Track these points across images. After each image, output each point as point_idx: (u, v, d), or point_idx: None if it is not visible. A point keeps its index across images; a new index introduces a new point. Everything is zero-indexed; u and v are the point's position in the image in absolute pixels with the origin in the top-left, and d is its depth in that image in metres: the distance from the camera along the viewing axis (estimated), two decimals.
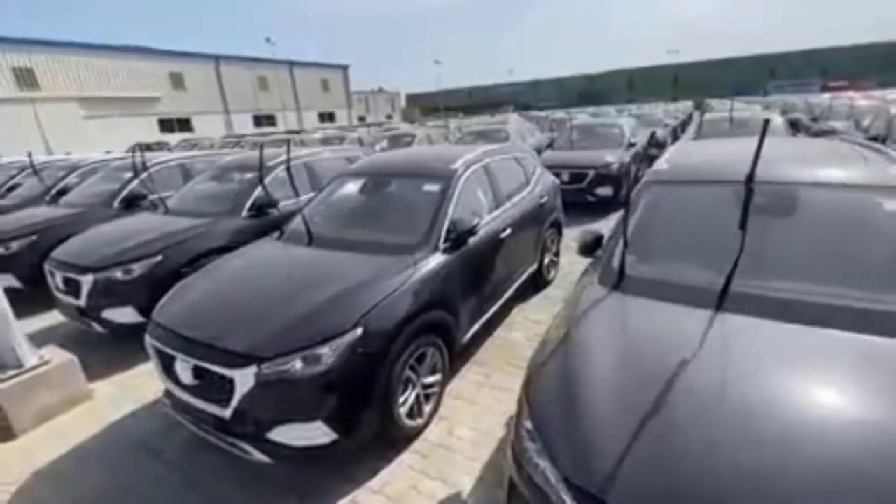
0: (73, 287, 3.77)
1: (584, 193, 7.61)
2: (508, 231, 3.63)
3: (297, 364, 2.10)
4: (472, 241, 3.08)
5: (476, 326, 3.31)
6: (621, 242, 2.32)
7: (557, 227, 4.94)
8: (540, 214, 4.36)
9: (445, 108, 69.65)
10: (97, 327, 3.77)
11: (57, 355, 3.29)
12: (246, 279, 2.80)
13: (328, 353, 2.13)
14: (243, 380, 2.08)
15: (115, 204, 5.64)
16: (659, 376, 1.47)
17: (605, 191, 7.61)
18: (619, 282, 2.07)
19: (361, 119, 59.50)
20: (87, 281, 3.67)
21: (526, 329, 3.96)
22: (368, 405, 2.28)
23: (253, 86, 41.26)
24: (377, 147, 11.62)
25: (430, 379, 2.76)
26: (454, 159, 3.52)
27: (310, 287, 2.49)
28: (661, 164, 2.73)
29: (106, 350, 4.00)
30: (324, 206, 3.69)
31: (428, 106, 77.35)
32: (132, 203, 5.65)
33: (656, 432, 1.31)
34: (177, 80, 35.14)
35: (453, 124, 18.68)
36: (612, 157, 7.67)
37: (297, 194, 4.27)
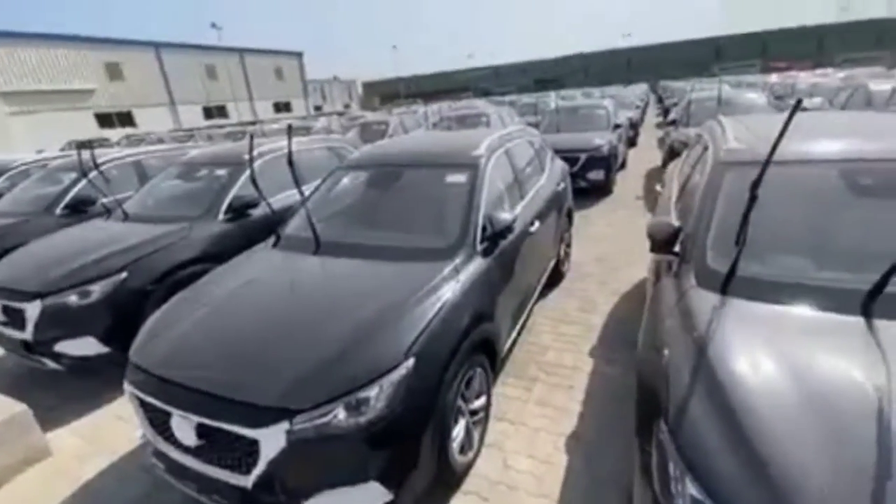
0: (14, 317, 3.06)
1: (576, 178, 7.28)
2: (537, 224, 3.24)
3: (340, 414, 1.63)
4: (507, 237, 2.66)
5: (514, 335, 2.93)
6: (711, 235, 1.98)
7: (569, 216, 4.61)
8: (557, 202, 4.00)
9: (406, 95, 68.28)
10: (49, 363, 3.09)
11: (2, 405, 2.63)
12: (249, 302, 2.22)
13: (376, 396, 1.67)
14: (271, 440, 1.59)
15: (58, 210, 4.82)
16: (860, 420, 1.13)
17: (596, 175, 7.37)
18: (726, 284, 1.72)
19: (318, 108, 57.33)
20: (33, 309, 2.98)
21: (551, 329, 3.62)
22: (425, 450, 1.84)
23: (200, 75, 38.57)
24: (347, 136, 10.97)
25: (477, 403, 2.35)
26: (475, 144, 3.07)
27: (338, 309, 2.00)
28: (730, 143, 2.39)
29: (61, 389, 3.32)
30: (325, 204, 3.14)
31: (387, 94, 75.51)
32: (79, 208, 4.84)
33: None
34: (114, 71, 32.25)
35: (421, 111, 18.02)
36: (602, 140, 7.42)
37: (300, 189, 3.67)
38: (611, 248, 5.27)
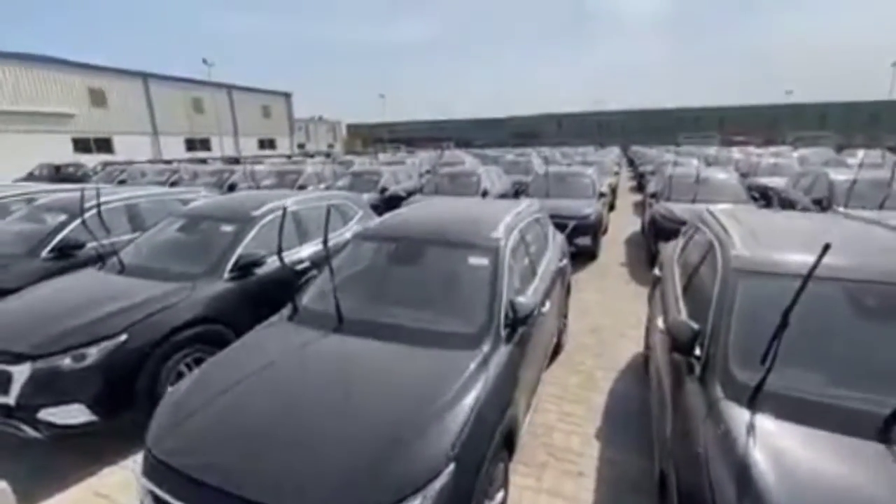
0: None
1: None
2: (547, 304, 3.33)
3: None
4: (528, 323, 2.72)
5: (527, 421, 2.92)
6: (732, 345, 2.10)
7: (568, 288, 4.74)
8: (561, 278, 4.13)
9: (389, 140, 69.98)
10: (29, 431, 2.85)
11: None
12: (275, 390, 2.13)
13: None
14: None
15: (44, 253, 4.61)
16: None
17: (584, 241, 7.66)
18: (754, 398, 1.82)
19: (301, 146, 57.89)
20: (21, 372, 2.78)
21: (555, 408, 3.62)
22: None
23: (186, 108, 38.66)
24: (339, 184, 11.06)
25: (498, 498, 2.30)
26: (494, 225, 3.18)
27: (371, 403, 1.97)
28: (738, 248, 2.58)
29: (34, 460, 3.06)
30: (344, 276, 3.14)
31: (370, 137, 77.24)
32: (67, 253, 4.65)
33: None
34: (97, 97, 31.97)
35: (409, 161, 18.48)
36: (590, 209, 7.79)
37: (329, 259, 3.67)
38: (603, 318, 5.41)
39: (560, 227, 7.52)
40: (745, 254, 2.50)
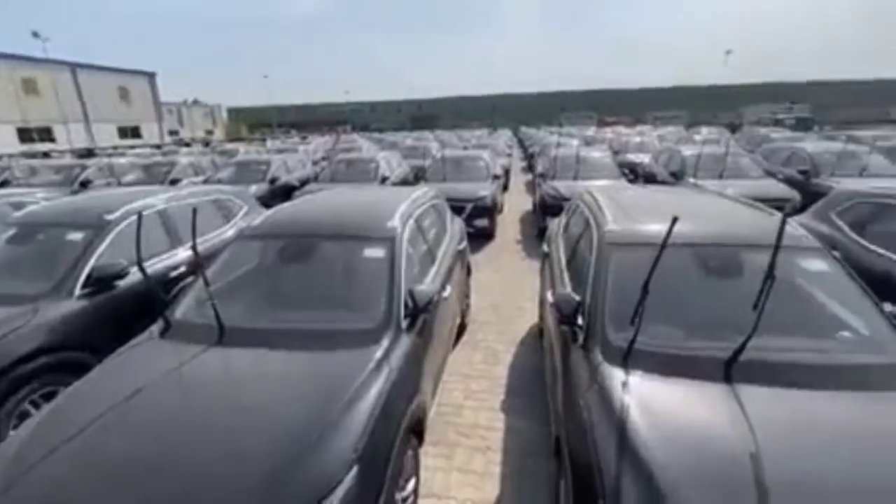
0: None
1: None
2: (448, 289, 3.38)
3: None
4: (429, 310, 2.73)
5: (434, 404, 2.96)
6: (608, 311, 2.32)
7: (468, 270, 4.88)
8: (461, 261, 4.23)
9: (279, 124, 65.33)
10: None
11: None
12: (143, 423, 1.84)
13: None
14: None
15: None
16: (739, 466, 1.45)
17: (481, 222, 7.97)
18: (627, 358, 2.03)
19: (174, 134, 51.49)
20: None
21: (462, 387, 3.74)
22: None
23: (16, 89, 31.88)
24: (221, 176, 10.04)
25: (409, 488, 2.31)
26: (389, 214, 3.11)
27: (259, 422, 1.80)
28: (610, 224, 2.85)
29: None
30: (224, 282, 2.84)
31: (257, 122, 71.35)
32: None
33: None
34: None
35: (302, 149, 17.44)
36: (486, 192, 8.08)
37: (200, 263, 3.24)
38: (502, 295, 5.69)
39: (458, 209, 7.75)
40: (615, 228, 2.78)
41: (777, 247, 1.71)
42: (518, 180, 16.26)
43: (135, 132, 42.08)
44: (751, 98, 60.91)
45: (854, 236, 3.69)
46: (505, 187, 13.70)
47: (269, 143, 23.15)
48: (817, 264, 2.42)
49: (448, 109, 78.18)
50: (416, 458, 2.41)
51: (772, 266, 1.72)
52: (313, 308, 2.61)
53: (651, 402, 1.81)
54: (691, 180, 7.75)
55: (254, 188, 8.95)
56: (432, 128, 49.15)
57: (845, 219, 3.86)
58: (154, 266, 3.68)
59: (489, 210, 8.00)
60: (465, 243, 4.50)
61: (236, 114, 78.16)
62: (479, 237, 8.19)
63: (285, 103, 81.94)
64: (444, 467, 2.88)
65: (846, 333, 2.20)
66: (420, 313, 2.61)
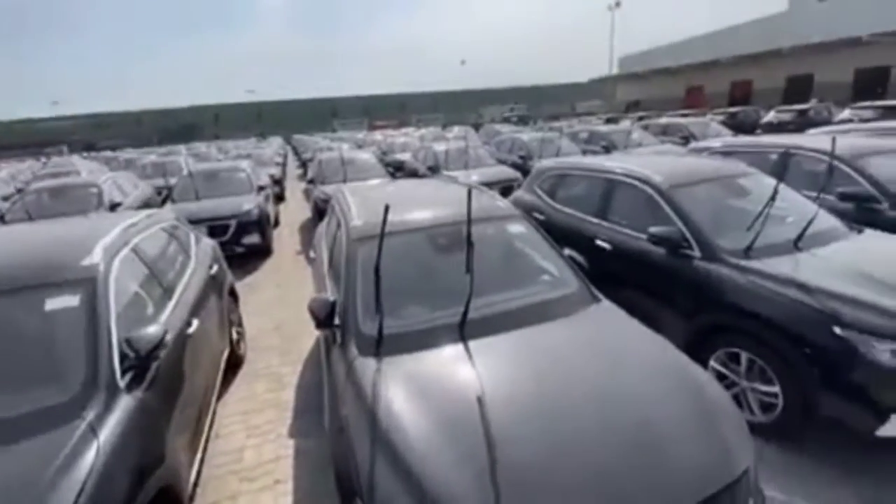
0: None
1: (230, 245, 6.98)
2: (195, 322, 2.90)
3: None
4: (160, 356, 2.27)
5: (198, 459, 2.51)
6: (359, 305, 2.35)
7: (233, 295, 4.35)
8: (216, 287, 3.70)
9: None
10: None
11: None
12: None
13: None
14: None
15: None
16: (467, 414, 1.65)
17: (251, 239, 7.29)
18: (378, 346, 2.10)
19: None
20: None
21: (242, 426, 3.33)
22: None
23: None
24: None
25: None
26: (85, 249, 2.44)
27: None
28: (355, 220, 2.90)
29: None
30: None
31: None
32: None
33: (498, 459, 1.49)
34: None
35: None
36: (250, 204, 7.39)
37: None
38: (284, 313, 5.32)
39: (221, 229, 6.91)
40: (359, 224, 2.84)
41: (469, 218, 2.00)
42: (296, 189, 15.54)
43: None
44: (487, 100, 73.12)
45: (549, 201, 4.77)
46: (281, 198, 12.91)
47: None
48: (517, 227, 2.99)
49: (207, 119, 68.97)
50: None
51: (468, 235, 2.00)
52: None
53: (397, 382, 1.90)
54: (444, 172, 8.77)
55: None
56: (187, 141, 42.58)
57: (543, 188, 4.96)
58: None
59: (258, 224, 7.36)
60: (217, 266, 3.96)
61: None
62: (254, 256, 7.49)
63: None
64: None
65: (543, 277, 2.78)
66: (148, 362, 2.14)
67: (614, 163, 4.30)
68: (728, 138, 8.16)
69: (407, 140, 17.11)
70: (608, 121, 26.19)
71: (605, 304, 2.51)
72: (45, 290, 2.17)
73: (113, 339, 2.08)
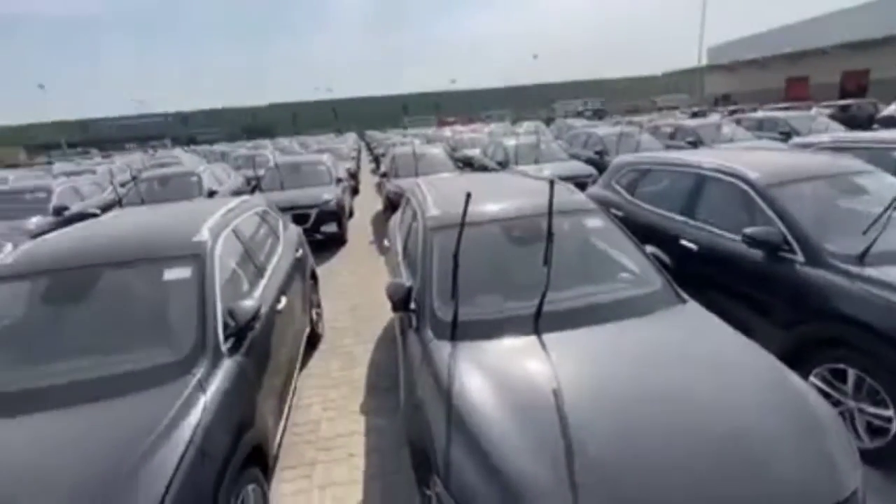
0: None
1: (310, 233, 7.45)
2: (283, 300, 3.15)
3: None
4: (255, 327, 2.49)
5: (282, 426, 2.73)
6: (434, 290, 2.41)
7: (314, 278, 4.65)
8: (300, 269, 3.98)
9: (71, 144, 53.66)
10: None
11: None
12: None
13: None
14: None
15: None
16: (543, 403, 1.63)
17: (330, 228, 7.71)
18: (454, 331, 2.14)
19: None
20: None
21: (319, 399, 3.56)
22: None
23: None
24: None
25: None
26: (194, 228, 2.74)
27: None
28: (432, 210, 2.97)
29: None
30: None
31: (38, 144, 57.36)
32: None
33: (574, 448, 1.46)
34: None
35: (101, 169, 14.54)
36: (330, 195, 7.83)
37: None
38: (359, 297, 5.59)
39: (302, 217, 7.39)
40: (435, 213, 2.91)
41: (550, 210, 1.97)
42: (369, 183, 16.18)
43: None
44: (559, 94, 71.04)
45: (628, 197, 4.55)
46: (356, 191, 13.51)
47: (56, 167, 18.69)
48: (596, 222, 2.89)
49: (286, 117, 73.87)
50: (261, 489, 2.18)
51: (549, 226, 1.97)
52: (101, 352, 2.14)
53: (473, 367, 1.93)
54: (514, 167, 8.67)
55: (34, 221, 7.20)
56: (271, 136, 45.90)
57: (621, 183, 4.74)
58: None
59: (336, 214, 7.77)
60: (302, 251, 4.25)
61: (5, 135, 61.65)
62: (331, 243, 7.93)
63: (79, 117, 67.65)
64: (304, 488, 2.69)
65: (623, 274, 2.67)
66: (245, 331, 2.37)
67: (703, 157, 4.00)
68: (840, 134, 7.26)
69: (475, 136, 17.12)
70: (694, 115, 24.35)
71: (692, 305, 2.36)
72: (163, 262, 2.47)
73: (217, 308, 2.33)
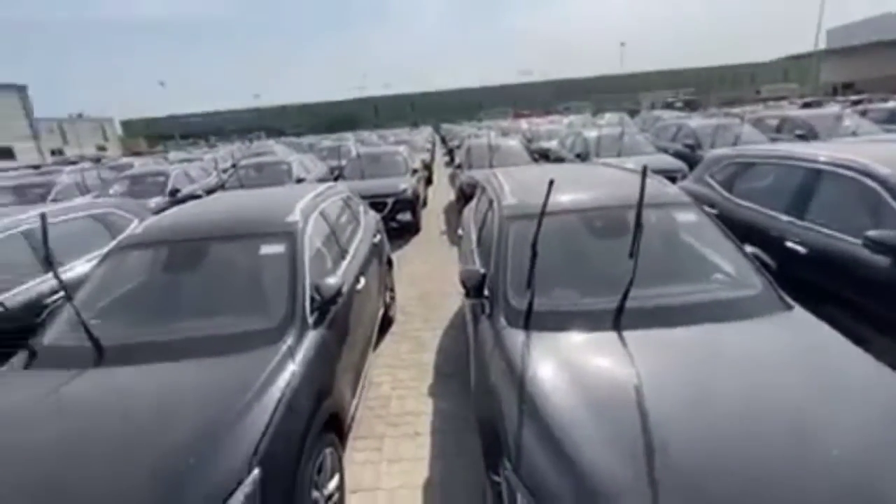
0: None
1: (387, 221, 7.74)
2: (362, 281, 3.31)
3: None
4: (338, 302, 2.65)
5: (357, 399, 2.89)
6: (509, 279, 2.40)
7: (389, 263, 4.83)
8: (377, 254, 4.16)
9: (183, 135, 60.42)
10: None
11: None
12: (17, 461, 1.62)
13: None
14: None
15: None
16: (623, 399, 1.56)
17: (405, 216, 7.94)
18: (528, 320, 2.12)
19: (57, 153, 45.67)
20: None
21: (390, 378, 3.71)
22: None
23: None
24: (113, 191, 9.03)
25: (331, 485, 2.24)
26: (287, 209, 2.97)
27: (149, 440, 1.64)
28: (508, 199, 2.94)
29: None
30: (103, 298, 2.55)
31: (157, 134, 65.37)
32: None
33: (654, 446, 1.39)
34: None
35: (208, 157, 16.21)
36: (405, 185, 8.06)
37: (59, 279, 2.69)
38: (429, 284, 5.71)
39: (380, 205, 7.68)
40: (512, 202, 2.88)
41: (641, 200, 1.85)
42: (442, 175, 16.41)
43: (7, 154, 36.67)
44: (646, 85, 66.59)
45: (725, 193, 4.16)
46: (429, 181, 13.78)
47: (171, 155, 21.24)
48: (688, 216, 2.68)
49: (368, 111, 76.97)
50: (337, 454, 2.33)
51: (638, 218, 1.86)
52: (207, 314, 2.42)
53: (548, 356, 1.89)
54: (594, 159, 8.29)
55: (154, 201, 8.23)
56: (352, 129, 48.20)
57: (716, 179, 4.34)
58: (28, 294, 3.26)
59: (411, 203, 7.99)
60: (380, 236, 4.43)
61: (133, 127, 71.02)
62: (405, 231, 8.17)
63: (186, 112, 75.91)
64: (373, 459, 2.83)
65: (717, 274, 2.45)
66: (329, 306, 2.53)
67: (818, 150, 3.54)
68: None
69: (553, 127, 16.62)
70: (806, 106, 21.58)
71: (800, 312, 2.11)
72: (261, 238, 2.71)
73: (306, 283, 2.51)
